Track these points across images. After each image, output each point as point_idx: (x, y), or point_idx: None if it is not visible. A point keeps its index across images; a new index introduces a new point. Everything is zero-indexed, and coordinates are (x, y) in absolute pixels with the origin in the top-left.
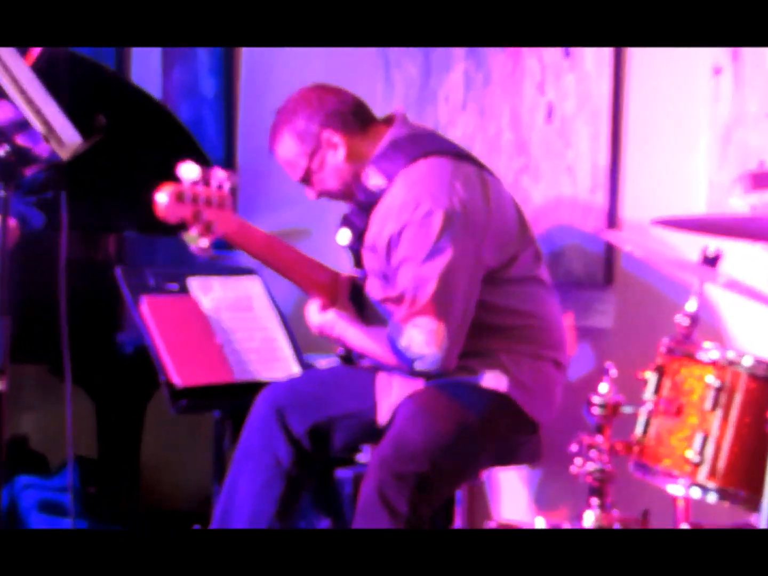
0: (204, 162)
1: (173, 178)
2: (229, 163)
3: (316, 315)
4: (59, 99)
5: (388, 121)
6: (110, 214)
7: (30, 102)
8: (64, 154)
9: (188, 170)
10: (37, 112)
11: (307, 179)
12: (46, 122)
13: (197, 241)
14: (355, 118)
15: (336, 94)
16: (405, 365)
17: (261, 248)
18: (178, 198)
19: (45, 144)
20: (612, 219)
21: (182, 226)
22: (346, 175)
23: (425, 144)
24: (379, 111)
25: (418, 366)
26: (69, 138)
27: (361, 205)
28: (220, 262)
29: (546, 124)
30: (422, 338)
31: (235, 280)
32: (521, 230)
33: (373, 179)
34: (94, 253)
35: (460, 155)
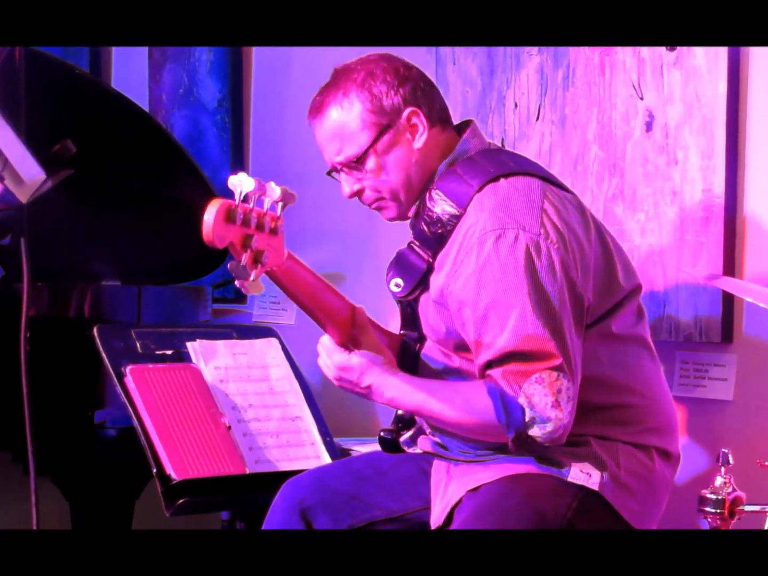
0: (205, 189)
1: (162, 210)
2: None
3: (337, 353)
4: (17, 116)
5: (460, 129)
6: (83, 261)
7: None
8: (23, 195)
9: (242, 182)
10: None
11: (358, 161)
12: None
13: (247, 274)
14: (441, 109)
15: (423, 74)
16: (512, 428)
17: (306, 293)
18: (228, 217)
19: None
20: (730, 261)
21: (224, 254)
22: (416, 173)
23: (507, 161)
24: None
25: (534, 432)
26: (29, 174)
27: (423, 239)
28: (227, 318)
29: (644, 135)
30: (550, 399)
31: (246, 343)
32: (626, 274)
33: (439, 205)
34: (63, 310)
35: (552, 180)
